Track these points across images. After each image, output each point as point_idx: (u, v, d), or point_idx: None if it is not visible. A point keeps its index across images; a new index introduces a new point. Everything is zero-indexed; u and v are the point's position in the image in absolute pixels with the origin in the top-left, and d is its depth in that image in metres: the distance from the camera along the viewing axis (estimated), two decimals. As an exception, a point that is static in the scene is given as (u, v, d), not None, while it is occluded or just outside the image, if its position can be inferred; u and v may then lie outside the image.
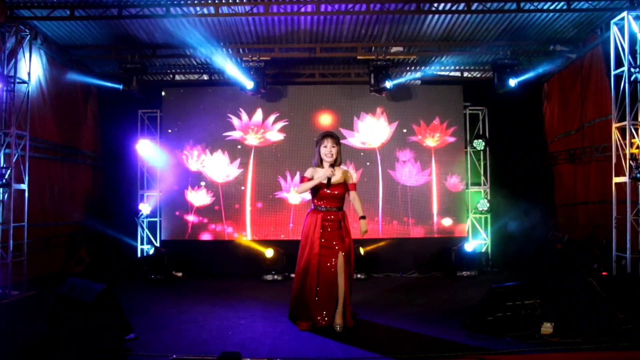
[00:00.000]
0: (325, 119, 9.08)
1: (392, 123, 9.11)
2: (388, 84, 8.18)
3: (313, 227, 4.89)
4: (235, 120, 9.07)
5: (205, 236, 9.01)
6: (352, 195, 5.08)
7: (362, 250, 8.39)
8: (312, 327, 4.84)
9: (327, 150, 4.87)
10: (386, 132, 9.10)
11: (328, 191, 4.91)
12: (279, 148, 9.07)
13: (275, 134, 9.08)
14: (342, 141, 8.87)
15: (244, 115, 9.08)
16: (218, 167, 9.04)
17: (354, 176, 5.12)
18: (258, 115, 9.08)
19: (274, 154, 9.08)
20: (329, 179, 4.83)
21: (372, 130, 9.11)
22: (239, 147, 9.05)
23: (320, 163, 4.98)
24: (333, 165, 4.87)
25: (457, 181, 9.10)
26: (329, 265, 4.84)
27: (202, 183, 9.00)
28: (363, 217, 5.01)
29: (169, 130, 9.13)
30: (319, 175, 4.88)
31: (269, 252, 8.30)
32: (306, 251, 4.89)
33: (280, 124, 9.07)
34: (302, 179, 4.96)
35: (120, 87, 8.14)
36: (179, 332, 4.94)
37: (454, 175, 9.08)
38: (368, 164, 9.05)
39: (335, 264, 4.84)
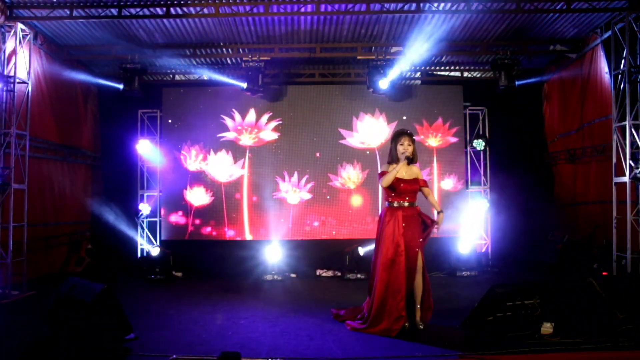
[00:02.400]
0: (325, 119, 9.09)
1: (391, 123, 9.11)
2: (384, 84, 8.17)
3: (395, 224, 4.85)
4: (228, 121, 9.07)
5: (205, 236, 9.01)
6: (426, 191, 5.07)
7: (361, 251, 8.38)
8: (401, 328, 4.74)
9: (404, 147, 4.89)
10: (385, 132, 9.10)
11: (405, 187, 4.90)
12: (277, 148, 9.08)
13: (269, 134, 9.08)
14: (340, 141, 9.04)
15: (237, 116, 9.07)
16: (222, 166, 9.05)
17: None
18: (251, 115, 9.06)
19: (273, 154, 9.09)
20: (408, 158, 4.85)
21: (371, 130, 9.11)
22: (235, 147, 9.06)
23: (395, 160, 4.96)
24: (410, 160, 4.90)
25: (455, 181, 9.11)
26: (414, 262, 4.83)
27: (209, 177, 9.01)
28: (441, 212, 5.02)
29: (169, 130, 9.14)
30: (397, 167, 4.87)
31: (271, 252, 8.30)
32: (391, 250, 4.82)
33: (273, 123, 9.07)
34: (382, 174, 4.95)
35: (121, 87, 8.14)
36: (179, 332, 4.94)
37: (452, 175, 9.09)
38: (368, 153, 9.07)
39: (415, 261, 4.84)
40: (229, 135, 9.08)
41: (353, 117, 9.11)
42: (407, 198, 4.93)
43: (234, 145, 9.07)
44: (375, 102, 9.04)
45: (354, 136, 9.09)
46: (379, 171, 5.09)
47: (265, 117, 9.08)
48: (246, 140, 9.09)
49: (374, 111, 9.12)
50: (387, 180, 4.85)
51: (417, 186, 4.96)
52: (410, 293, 4.86)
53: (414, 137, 5.02)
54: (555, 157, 9.27)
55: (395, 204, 4.93)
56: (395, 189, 4.90)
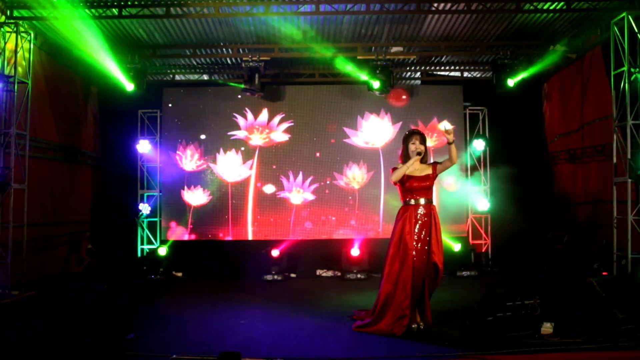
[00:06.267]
0: (327, 119, 9.09)
1: (395, 123, 9.12)
2: (382, 85, 8.15)
3: (407, 223, 4.81)
4: (240, 120, 9.09)
5: (205, 236, 9.01)
6: (442, 164, 4.91)
7: (355, 252, 8.39)
8: (406, 327, 4.70)
9: (416, 146, 4.88)
10: (390, 133, 9.11)
11: (418, 184, 4.85)
12: (281, 148, 9.09)
13: (280, 135, 9.10)
14: (344, 140, 9.04)
15: (250, 115, 9.09)
16: (230, 166, 9.06)
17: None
18: (264, 115, 9.10)
19: (276, 154, 9.09)
20: (419, 154, 4.83)
21: (375, 130, 9.11)
22: (242, 148, 9.08)
23: (407, 159, 4.92)
24: (422, 159, 4.90)
25: (452, 181, 9.10)
26: (422, 261, 4.76)
27: (209, 176, 9.02)
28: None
29: (169, 130, 9.14)
30: (408, 162, 4.83)
31: (274, 252, 8.31)
32: (401, 249, 4.79)
33: (285, 125, 9.09)
34: (393, 169, 4.92)
35: (125, 86, 8.15)
36: (179, 332, 4.94)
37: (451, 175, 9.07)
38: (367, 156, 9.09)
39: (425, 262, 4.77)
40: (240, 134, 9.09)
41: (358, 116, 9.12)
42: (420, 195, 4.88)
43: (242, 146, 9.08)
44: (377, 102, 9.03)
45: (358, 135, 9.10)
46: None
47: (277, 119, 9.09)
48: (257, 140, 9.09)
49: (379, 111, 9.12)
50: (397, 175, 4.83)
51: (429, 182, 4.90)
52: (417, 293, 4.80)
53: (425, 137, 5.01)
54: (555, 157, 9.26)
55: (411, 202, 4.89)
56: (408, 186, 4.88)
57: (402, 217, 4.88)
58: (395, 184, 4.96)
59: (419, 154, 4.84)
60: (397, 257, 4.81)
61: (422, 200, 4.88)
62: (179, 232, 9.02)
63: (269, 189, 9.06)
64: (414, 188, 4.87)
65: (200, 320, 5.41)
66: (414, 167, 4.88)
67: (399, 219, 4.92)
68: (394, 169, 4.94)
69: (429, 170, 4.91)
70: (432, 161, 5.09)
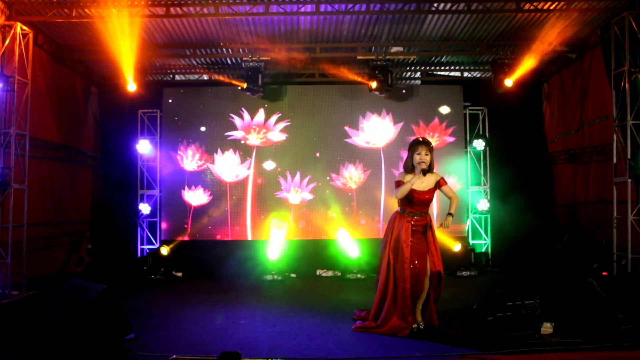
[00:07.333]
0: (327, 119, 9.09)
1: (397, 123, 9.12)
2: (381, 85, 8.13)
3: (402, 232, 4.81)
4: (237, 120, 9.09)
5: (205, 236, 9.01)
6: (445, 189, 4.93)
7: (355, 252, 8.40)
8: (409, 331, 4.72)
9: (421, 157, 4.79)
10: (391, 132, 9.10)
11: (419, 197, 4.82)
12: (280, 148, 9.09)
13: (277, 134, 9.09)
14: (345, 140, 9.04)
15: (246, 115, 9.09)
16: (228, 166, 9.05)
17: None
18: (260, 115, 9.09)
19: (274, 154, 9.09)
20: (424, 171, 4.77)
21: (376, 130, 9.11)
22: (242, 143, 9.08)
23: (411, 169, 4.86)
24: (426, 171, 4.82)
25: (454, 181, 9.09)
26: (422, 269, 4.77)
27: (209, 176, 9.02)
28: (451, 215, 4.87)
29: (169, 130, 9.14)
30: (412, 179, 4.78)
31: (271, 252, 8.31)
32: (399, 258, 4.79)
33: (282, 124, 9.08)
34: (398, 183, 4.87)
35: (121, 87, 8.15)
36: (179, 332, 4.94)
37: (451, 175, 9.07)
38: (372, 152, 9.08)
39: (424, 266, 4.78)
40: (237, 134, 9.09)
41: (359, 116, 9.12)
42: (419, 208, 4.88)
43: (242, 146, 9.08)
44: (377, 103, 9.03)
45: (360, 135, 9.09)
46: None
47: (273, 118, 9.09)
48: (253, 140, 9.09)
49: (381, 111, 9.12)
50: (402, 192, 4.79)
51: (430, 196, 4.90)
52: (417, 299, 4.82)
53: (431, 146, 4.91)
54: (555, 157, 9.26)
55: (407, 213, 4.89)
56: (409, 199, 4.86)
57: (398, 226, 4.87)
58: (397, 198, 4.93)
59: (422, 170, 4.75)
60: (394, 266, 4.82)
61: (419, 213, 4.88)
62: (180, 232, 9.01)
63: (269, 165, 9.07)
64: (415, 201, 4.86)
65: (200, 320, 5.41)
66: (418, 181, 4.83)
67: (394, 226, 4.92)
68: (398, 183, 4.87)
69: (432, 186, 4.88)
70: (437, 173, 5.01)
